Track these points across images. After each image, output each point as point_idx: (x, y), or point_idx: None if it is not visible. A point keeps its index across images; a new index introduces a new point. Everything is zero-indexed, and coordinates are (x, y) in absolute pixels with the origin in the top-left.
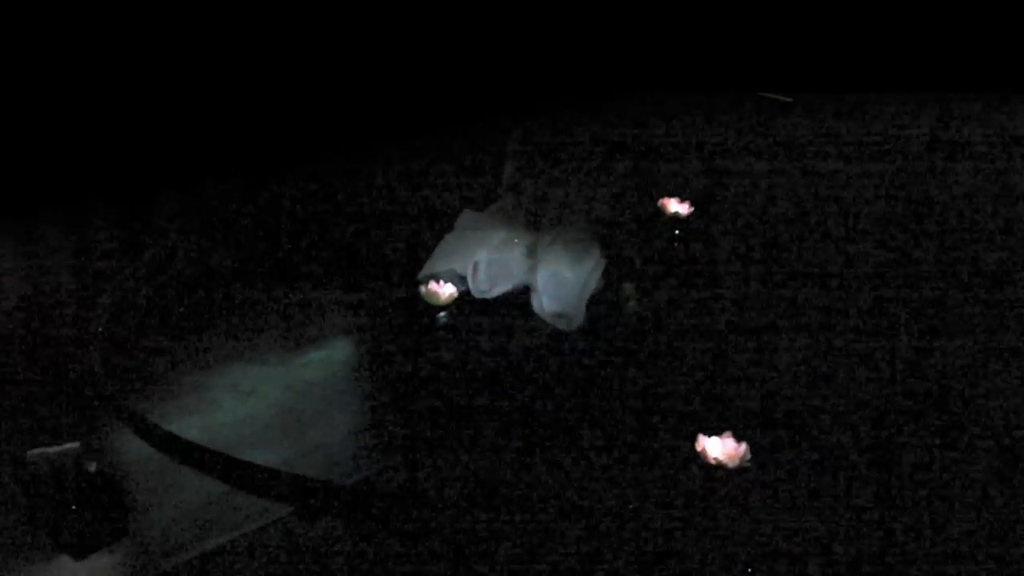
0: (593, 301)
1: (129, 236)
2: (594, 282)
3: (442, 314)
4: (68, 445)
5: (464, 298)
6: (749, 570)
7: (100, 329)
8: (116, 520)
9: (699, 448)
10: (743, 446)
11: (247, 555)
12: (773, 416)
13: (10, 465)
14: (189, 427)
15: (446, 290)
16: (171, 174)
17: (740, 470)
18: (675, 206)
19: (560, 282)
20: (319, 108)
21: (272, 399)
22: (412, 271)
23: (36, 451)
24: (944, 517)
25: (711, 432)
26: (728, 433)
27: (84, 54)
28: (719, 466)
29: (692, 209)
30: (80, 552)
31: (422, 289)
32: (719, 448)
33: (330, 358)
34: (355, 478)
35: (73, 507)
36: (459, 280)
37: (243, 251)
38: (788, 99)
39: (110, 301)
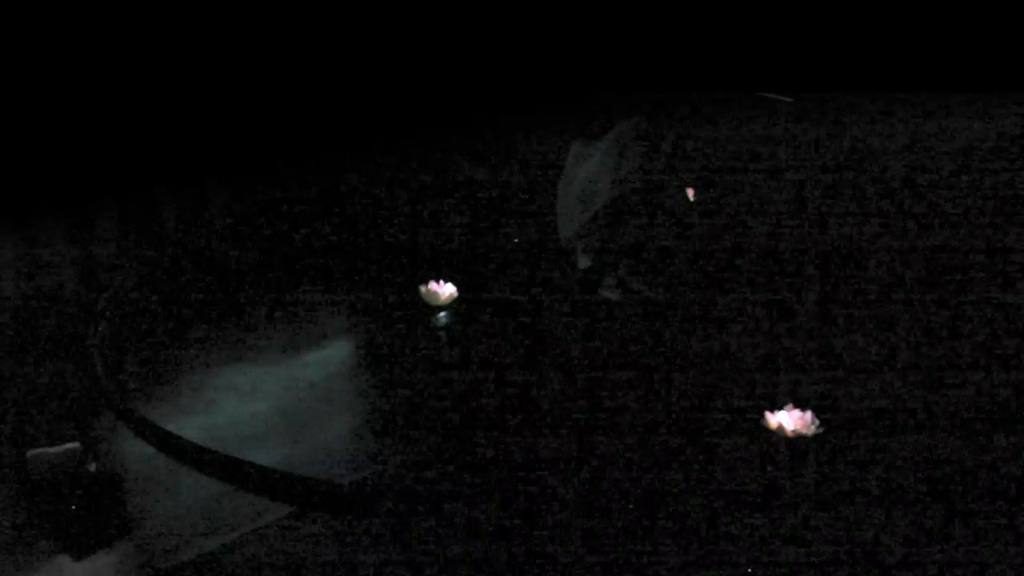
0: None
1: (129, 237)
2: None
3: (442, 314)
4: (68, 445)
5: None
6: (749, 570)
7: (100, 329)
8: (116, 520)
9: (774, 424)
10: (809, 414)
11: (247, 555)
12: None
13: (10, 465)
14: (189, 427)
15: (446, 290)
16: (171, 175)
17: (815, 437)
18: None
19: None
20: (319, 109)
21: (272, 399)
22: (412, 271)
23: (36, 451)
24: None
25: (773, 408)
26: (791, 405)
27: (84, 54)
28: (798, 437)
29: (694, 196)
30: (80, 552)
31: (422, 289)
32: (790, 421)
33: (330, 358)
34: (355, 478)
35: (73, 507)
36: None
37: (243, 251)
38: (788, 99)
39: (110, 301)
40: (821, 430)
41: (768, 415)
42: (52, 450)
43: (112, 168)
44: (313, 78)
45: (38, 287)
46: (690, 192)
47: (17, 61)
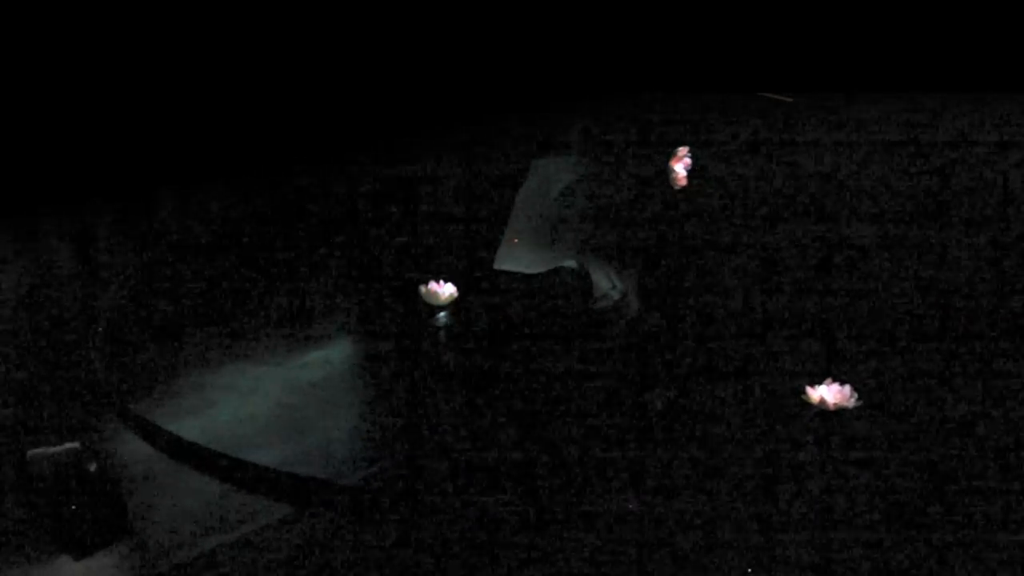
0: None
1: (129, 236)
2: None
3: (442, 314)
4: (68, 445)
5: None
6: (749, 570)
7: (100, 329)
8: (116, 520)
9: (816, 399)
10: (847, 387)
11: (247, 555)
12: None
13: (10, 465)
14: (189, 427)
15: (446, 290)
16: (171, 174)
17: (856, 409)
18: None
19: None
20: (319, 109)
21: (272, 399)
22: (412, 271)
23: (36, 451)
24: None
25: (814, 382)
26: (829, 379)
27: (84, 54)
28: (841, 410)
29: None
30: (80, 552)
31: (422, 289)
32: (831, 395)
33: (330, 358)
34: (355, 478)
35: (73, 507)
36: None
37: (243, 251)
38: (788, 99)
39: (110, 301)
40: (860, 403)
41: (809, 390)
42: (52, 450)
43: (112, 168)
44: (313, 78)
45: (38, 287)
46: (680, 175)
47: (17, 61)
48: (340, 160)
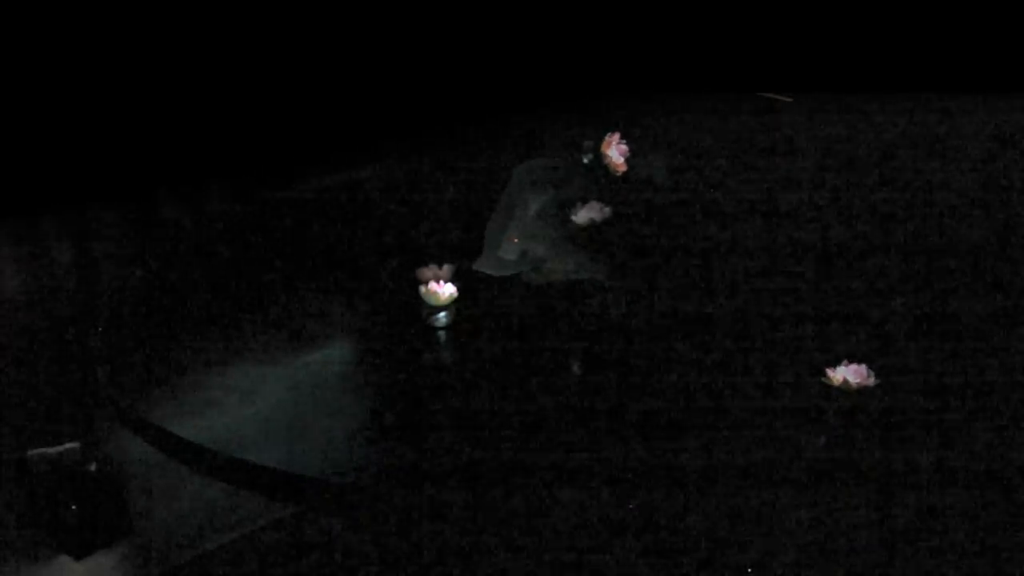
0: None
1: (130, 236)
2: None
3: (442, 314)
4: (68, 445)
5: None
6: (749, 570)
7: (100, 329)
8: (116, 520)
9: (838, 380)
10: (864, 366)
11: (247, 555)
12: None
13: (10, 465)
14: (189, 427)
15: (446, 290)
16: (172, 175)
17: (876, 389)
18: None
19: None
20: (319, 109)
21: (272, 399)
22: (412, 271)
23: (36, 451)
24: None
25: (830, 364)
26: (846, 361)
27: (84, 54)
28: (862, 391)
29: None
30: (80, 552)
31: (422, 289)
32: (852, 375)
33: (330, 358)
34: (355, 478)
35: (73, 507)
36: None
37: (243, 251)
38: (788, 99)
39: (110, 300)
40: (879, 381)
41: (829, 372)
42: (52, 450)
43: (112, 168)
44: (313, 77)
45: (38, 287)
46: (617, 161)
47: (17, 61)
48: (340, 159)
